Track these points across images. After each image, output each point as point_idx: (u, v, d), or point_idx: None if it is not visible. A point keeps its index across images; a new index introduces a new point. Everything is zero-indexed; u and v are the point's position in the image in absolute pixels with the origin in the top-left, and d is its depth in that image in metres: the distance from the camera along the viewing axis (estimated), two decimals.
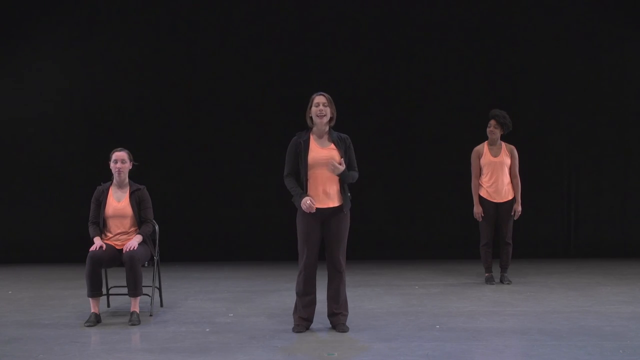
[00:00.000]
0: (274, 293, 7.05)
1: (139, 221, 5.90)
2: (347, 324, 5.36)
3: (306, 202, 5.12)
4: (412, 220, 9.74)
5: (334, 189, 5.23)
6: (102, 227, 5.86)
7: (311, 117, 5.27)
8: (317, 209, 5.16)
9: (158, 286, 6.27)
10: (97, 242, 5.72)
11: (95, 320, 5.63)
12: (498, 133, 7.35)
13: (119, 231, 5.86)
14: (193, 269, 8.81)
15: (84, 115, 9.64)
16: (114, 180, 5.93)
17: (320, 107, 5.23)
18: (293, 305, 5.44)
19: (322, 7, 9.66)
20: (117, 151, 5.93)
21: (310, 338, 5.16)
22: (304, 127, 5.36)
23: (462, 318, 5.72)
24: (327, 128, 5.30)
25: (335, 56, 9.65)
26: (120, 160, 5.88)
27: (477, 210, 7.42)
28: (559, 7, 9.64)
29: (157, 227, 6.08)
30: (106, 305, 6.27)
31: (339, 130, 5.39)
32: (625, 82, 9.72)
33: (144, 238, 5.86)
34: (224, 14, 9.67)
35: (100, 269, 5.69)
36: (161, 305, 6.33)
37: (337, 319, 5.34)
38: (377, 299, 6.68)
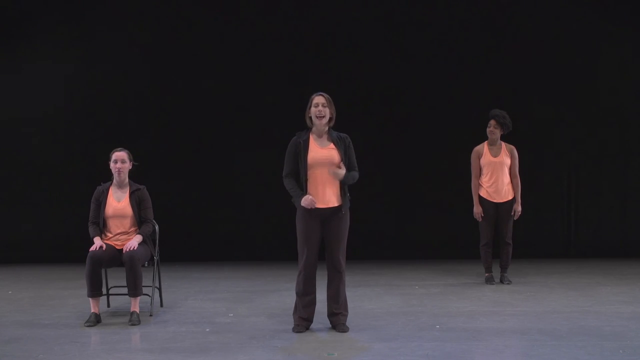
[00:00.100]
0: (274, 293, 7.05)
1: (139, 221, 5.90)
2: (347, 324, 5.36)
3: (307, 199, 5.13)
4: (412, 220, 9.74)
5: (333, 189, 5.22)
6: (102, 227, 5.86)
7: (310, 117, 5.27)
8: (316, 209, 5.16)
9: (158, 286, 6.27)
10: (97, 242, 5.72)
11: (95, 320, 5.63)
12: (498, 133, 7.35)
13: (119, 231, 5.86)
14: (193, 269, 8.81)
15: (84, 115, 9.65)
16: (114, 180, 5.93)
17: (320, 107, 5.22)
18: (293, 305, 5.44)
19: (322, 6, 9.66)
20: (117, 151, 5.93)
21: (310, 338, 5.16)
22: (304, 127, 5.35)
23: (462, 318, 5.72)
24: (326, 128, 5.30)
25: (335, 56, 9.65)
26: (120, 160, 5.88)
27: (477, 210, 7.42)
28: (559, 7, 9.64)
29: (157, 227, 6.08)
30: (106, 305, 6.27)
31: (339, 130, 5.39)
32: (624, 82, 9.73)
33: (144, 238, 5.86)
34: (224, 14, 9.67)
35: (100, 269, 5.69)
36: (161, 305, 6.33)
37: (337, 319, 5.35)
38: (377, 299, 6.68)
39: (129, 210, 5.86)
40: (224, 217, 9.68)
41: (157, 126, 9.66)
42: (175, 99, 9.68)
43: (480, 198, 7.43)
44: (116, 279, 6.32)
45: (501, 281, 7.48)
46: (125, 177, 5.94)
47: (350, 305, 5.53)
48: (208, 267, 8.93)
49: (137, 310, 5.72)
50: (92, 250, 5.62)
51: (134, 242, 5.73)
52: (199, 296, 6.92)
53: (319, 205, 5.18)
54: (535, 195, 9.10)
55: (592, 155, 9.74)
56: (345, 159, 5.26)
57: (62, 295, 7.01)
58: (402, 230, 9.73)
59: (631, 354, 4.60)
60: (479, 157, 7.42)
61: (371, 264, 8.92)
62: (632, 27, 9.75)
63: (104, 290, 6.08)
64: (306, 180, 5.20)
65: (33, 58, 9.68)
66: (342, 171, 5.17)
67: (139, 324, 5.62)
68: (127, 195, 5.91)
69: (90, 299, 5.66)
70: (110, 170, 5.92)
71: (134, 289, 5.68)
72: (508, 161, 7.39)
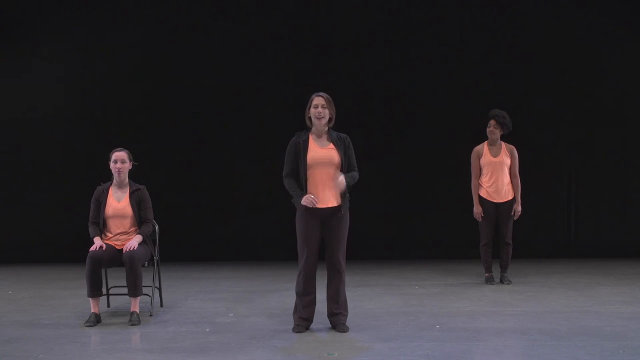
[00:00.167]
0: (274, 293, 7.05)
1: (139, 221, 5.90)
2: (347, 324, 5.36)
3: (309, 198, 5.12)
4: (412, 220, 9.74)
5: (333, 189, 5.22)
6: (102, 227, 5.86)
7: (310, 118, 5.27)
8: (316, 209, 5.16)
9: (158, 286, 6.27)
10: (97, 242, 5.72)
11: (95, 320, 5.63)
12: (498, 133, 7.35)
13: (119, 231, 5.86)
14: (193, 269, 8.81)
15: (84, 115, 9.65)
16: (114, 181, 5.93)
17: (319, 109, 5.22)
18: (293, 305, 5.44)
19: (323, 7, 9.66)
20: (116, 151, 5.92)
21: (310, 338, 5.16)
22: (304, 127, 5.35)
23: (462, 318, 5.72)
24: (326, 128, 5.29)
25: (335, 56, 9.65)
26: (120, 160, 5.88)
27: (477, 210, 7.42)
28: (559, 7, 9.64)
29: (157, 227, 6.08)
30: (106, 305, 6.27)
31: (339, 130, 5.39)
32: (624, 82, 9.73)
33: (144, 238, 5.86)
34: (224, 14, 9.67)
35: (100, 269, 5.69)
36: (161, 305, 6.33)
37: (337, 319, 5.34)
38: (377, 299, 6.68)
39: (129, 210, 5.86)
40: (224, 217, 9.69)
41: (157, 126, 9.66)
42: (175, 99, 9.68)
43: (480, 198, 7.43)
44: (116, 279, 6.32)
45: (501, 281, 7.48)
46: (125, 177, 5.94)
47: (350, 305, 5.53)
48: (208, 267, 8.94)
49: (137, 310, 5.72)
50: (92, 250, 5.62)
51: (134, 242, 5.73)
52: (199, 296, 6.92)
53: (319, 205, 5.17)
54: (535, 195, 9.10)
55: (592, 155, 9.74)
56: (345, 159, 5.26)
57: (62, 295, 7.01)
58: (402, 230, 9.73)
59: (631, 354, 4.60)
60: (479, 157, 7.42)
61: (371, 264, 8.93)
62: (632, 27, 9.76)
63: (104, 290, 6.08)
64: (306, 180, 5.20)
65: (33, 58, 9.68)
66: (342, 179, 5.15)
67: (139, 324, 5.62)
68: (127, 195, 5.91)
69: (90, 299, 5.66)
70: (110, 170, 5.92)
71: (134, 289, 5.68)
72: (508, 161, 7.39)
